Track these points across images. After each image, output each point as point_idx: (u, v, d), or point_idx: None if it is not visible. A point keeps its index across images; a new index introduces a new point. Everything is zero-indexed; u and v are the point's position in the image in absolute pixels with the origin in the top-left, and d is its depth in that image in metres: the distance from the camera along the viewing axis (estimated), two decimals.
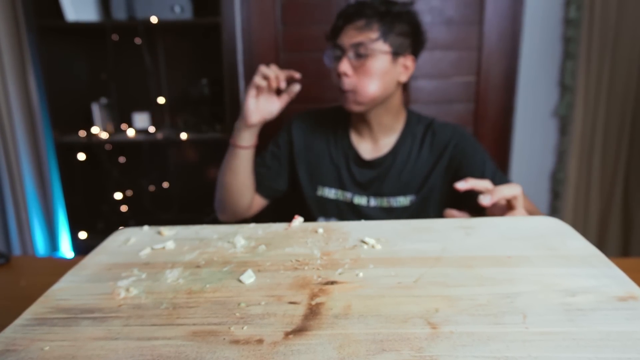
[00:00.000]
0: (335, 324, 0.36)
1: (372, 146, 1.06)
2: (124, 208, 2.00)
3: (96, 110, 1.89)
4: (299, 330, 0.35)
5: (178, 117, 2.05)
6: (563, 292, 0.39)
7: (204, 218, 1.83)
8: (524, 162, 2.08)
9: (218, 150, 2.07)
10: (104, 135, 1.86)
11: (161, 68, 2.03)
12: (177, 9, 1.76)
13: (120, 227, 0.65)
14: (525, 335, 0.34)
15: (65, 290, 0.44)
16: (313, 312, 0.38)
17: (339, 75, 0.96)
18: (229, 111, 1.84)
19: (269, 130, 1.13)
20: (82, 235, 1.95)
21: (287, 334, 0.35)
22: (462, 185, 0.73)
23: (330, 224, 0.57)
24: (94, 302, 0.41)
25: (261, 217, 1.11)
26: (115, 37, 1.84)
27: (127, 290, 0.43)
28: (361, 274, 0.44)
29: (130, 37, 1.80)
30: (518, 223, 0.55)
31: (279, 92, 1.01)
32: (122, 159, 2.02)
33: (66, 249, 2.05)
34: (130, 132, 1.92)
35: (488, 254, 0.47)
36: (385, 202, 1.04)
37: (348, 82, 0.96)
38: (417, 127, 1.06)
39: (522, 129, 2.05)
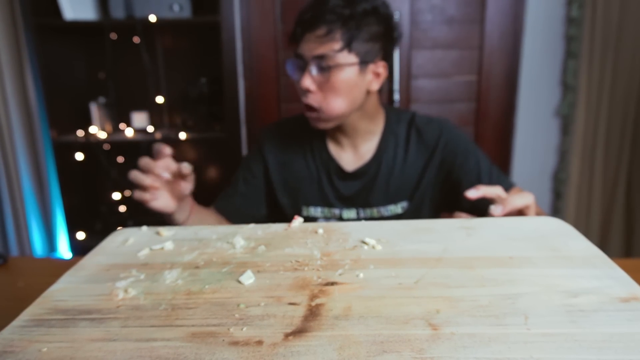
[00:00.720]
0: (335, 325, 0.36)
1: (353, 155, 0.98)
2: (122, 208, 2.00)
3: (94, 109, 1.89)
4: (298, 332, 0.35)
5: (177, 117, 2.05)
6: (565, 293, 0.39)
7: None
8: (526, 162, 2.08)
9: (217, 150, 2.08)
10: (102, 135, 1.86)
11: (160, 67, 2.03)
12: (176, 8, 1.76)
13: (119, 228, 0.65)
14: (527, 336, 0.34)
15: (63, 291, 0.44)
16: (313, 313, 0.38)
17: (302, 90, 0.88)
18: (228, 110, 1.84)
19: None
20: (80, 235, 1.95)
21: (286, 335, 0.35)
22: (473, 193, 0.69)
23: (331, 224, 0.57)
24: (92, 303, 0.41)
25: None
26: (113, 35, 1.84)
27: (126, 291, 0.43)
28: (361, 275, 0.44)
29: (129, 36, 1.80)
30: (520, 224, 0.55)
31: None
32: (120, 159, 2.02)
33: (64, 250, 2.05)
34: (129, 132, 1.92)
35: (489, 254, 0.47)
36: (375, 212, 0.97)
37: (312, 99, 0.87)
38: (398, 127, 0.98)
39: (524, 129, 2.05)
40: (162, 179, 0.72)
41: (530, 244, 0.49)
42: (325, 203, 0.99)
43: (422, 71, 2.02)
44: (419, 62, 2.01)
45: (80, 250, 1.97)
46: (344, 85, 0.86)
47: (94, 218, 2.03)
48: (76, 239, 1.96)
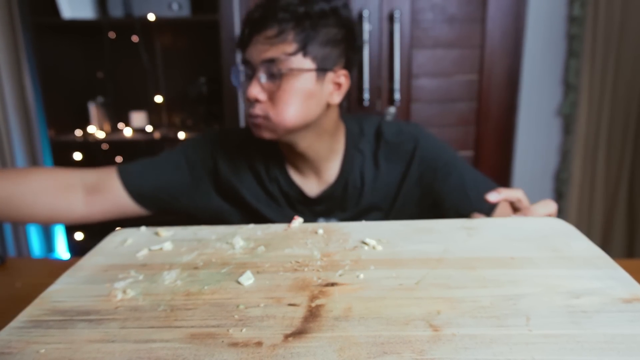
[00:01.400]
0: (335, 326, 0.36)
1: (316, 179, 0.87)
2: None
3: (93, 109, 1.89)
4: (298, 333, 0.35)
5: (176, 116, 2.05)
6: (567, 294, 0.39)
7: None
8: (527, 162, 2.08)
9: None
10: (101, 135, 1.86)
11: (159, 66, 2.03)
12: (175, 6, 1.76)
13: (117, 228, 0.65)
14: (529, 337, 0.34)
15: (61, 292, 0.44)
16: (313, 314, 0.38)
17: (249, 100, 0.76)
18: (227, 110, 1.84)
19: None
20: (79, 236, 1.95)
21: (286, 337, 0.35)
22: (494, 197, 0.65)
23: (331, 224, 0.57)
24: (90, 304, 0.41)
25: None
26: (112, 34, 1.84)
27: (124, 292, 0.43)
28: (362, 276, 0.44)
29: (127, 34, 1.80)
30: (521, 224, 0.55)
31: None
32: (119, 159, 2.02)
33: (62, 250, 2.05)
34: (128, 132, 1.92)
35: (491, 255, 0.47)
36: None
37: (259, 108, 0.76)
38: (362, 140, 0.87)
39: (526, 128, 2.05)
40: None
41: (532, 245, 0.49)
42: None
43: (422, 70, 2.02)
44: (419, 61, 2.01)
45: (78, 250, 1.97)
46: (298, 94, 0.75)
47: None
48: (74, 240, 1.96)
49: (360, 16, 1.87)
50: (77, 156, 1.92)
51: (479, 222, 0.56)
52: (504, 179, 2.04)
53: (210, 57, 1.91)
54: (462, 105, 2.05)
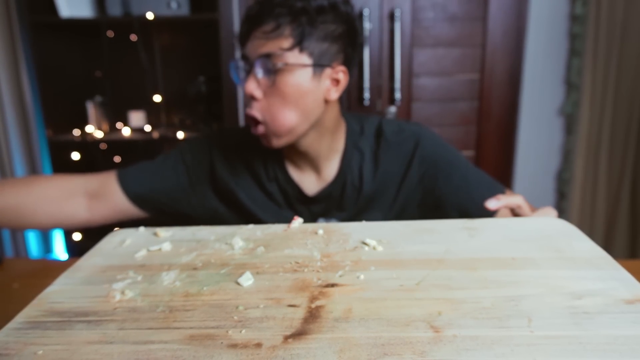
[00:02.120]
0: (335, 327, 0.36)
1: (315, 178, 0.87)
2: None
3: (91, 108, 1.89)
4: (298, 334, 0.35)
5: (175, 116, 2.05)
6: (569, 295, 0.39)
7: None
8: (529, 162, 2.08)
9: None
10: (99, 134, 1.86)
11: (157, 65, 2.03)
12: (174, 5, 1.76)
13: (116, 229, 0.65)
14: (531, 339, 0.34)
15: (59, 293, 0.44)
16: (313, 315, 0.38)
17: (247, 96, 0.76)
18: (226, 109, 1.84)
19: None
20: (77, 236, 1.95)
21: (286, 338, 0.35)
22: (493, 205, 0.66)
23: (331, 225, 0.57)
24: (88, 305, 0.41)
25: None
26: (110, 33, 1.84)
27: (123, 293, 0.43)
28: (362, 276, 0.44)
29: (126, 33, 1.80)
30: (523, 224, 0.55)
31: None
32: (117, 159, 2.02)
33: (60, 251, 2.05)
34: (126, 131, 1.92)
35: (492, 255, 0.47)
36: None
37: (256, 109, 0.75)
38: (362, 139, 0.87)
39: (527, 128, 2.05)
40: None
41: (534, 245, 0.49)
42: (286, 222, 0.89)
43: (423, 69, 2.02)
44: (420, 60, 2.01)
45: (76, 251, 1.97)
46: (294, 91, 0.74)
47: None
48: (72, 240, 1.96)
49: (361, 15, 1.88)
50: (75, 156, 1.92)
51: (480, 222, 0.56)
52: (505, 179, 2.04)
53: (209, 56, 1.91)
54: (464, 104, 2.05)
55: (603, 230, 2.02)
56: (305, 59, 0.74)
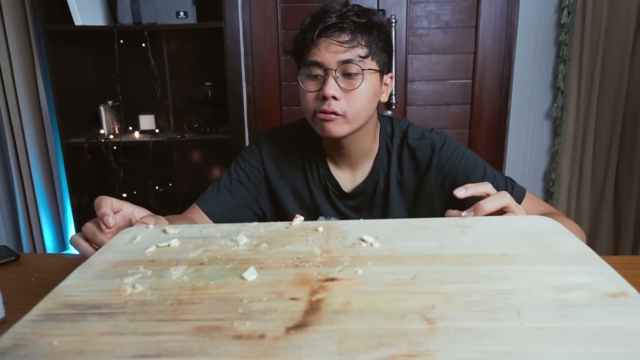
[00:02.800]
0: (335, 319, 0.36)
1: (351, 175, 0.94)
2: None
3: (103, 112, 1.89)
4: (299, 326, 0.35)
5: (183, 119, 2.05)
6: (556, 288, 0.39)
7: None
8: (518, 163, 2.08)
9: (221, 151, 2.07)
10: (111, 137, 1.86)
11: (166, 71, 2.03)
12: (182, 14, 1.76)
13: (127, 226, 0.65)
14: (520, 330, 0.34)
15: (73, 287, 0.44)
16: (313, 308, 0.38)
17: (324, 98, 0.80)
18: (232, 113, 1.84)
19: None
20: None
21: (288, 330, 0.35)
22: (461, 193, 0.66)
23: (330, 222, 0.57)
24: (101, 298, 0.41)
25: None
26: (121, 41, 1.84)
27: (133, 286, 0.43)
28: (360, 271, 0.44)
29: (136, 41, 1.80)
30: (512, 222, 0.55)
31: None
32: (128, 160, 2.02)
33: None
34: (136, 134, 1.92)
35: (483, 251, 0.47)
36: None
37: (336, 105, 0.80)
38: (393, 142, 0.92)
39: (517, 131, 2.05)
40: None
41: (523, 242, 0.49)
42: (322, 215, 0.95)
43: (418, 75, 2.02)
44: (415, 67, 2.01)
45: None
46: (371, 92, 0.82)
47: None
48: None
49: None
50: (88, 157, 1.92)
51: (472, 220, 0.56)
52: None
53: (215, 63, 1.91)
54: (456, 108, 2.05)
55: (588, 227, 2.02)
56: (375, 65, 0.82)
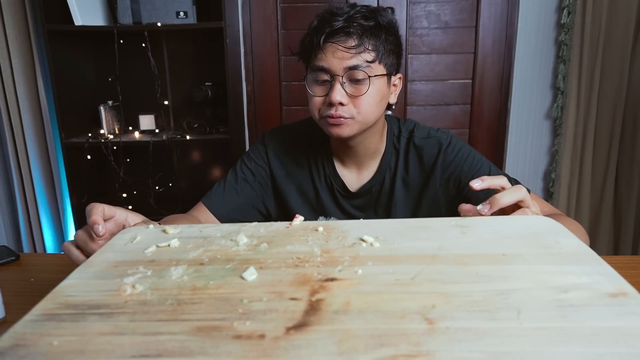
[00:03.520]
0: (335, 319, 0.36)
1: (357, 174, 0.94)
2: (129, 207, 2.00)
3: (103, 112, 1.89)
4: (299, 326, 0.35)
5: (182, 119, 2.05)
6: (556, 288, 0.39)
7: None
8: (518, 162, 2.08)
9: (221, 151, 2.07)
10: (111, 137, 1.86)
11: (166, 71, 2.03)
12: (182, 15, 1.76)
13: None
14: (520, 330, 0.34)
15: (73, 287, 0.44)
16: (313, 308, 0.38)
17: (330, 104, 0.80)
18: (232, 113, 1.84)
19: None
20: None
21: (288, 329, 0.35)
22: (477, 185, 0.63)
23: (330, 222, 0.57)
24: (101, 298, 0.41)
25: None
26: (121, 41, 1.84)
27: (133, 286, 0.43)
28: (360, 271, 0.44)
29: (136, 41, 1.80)
30: (513, 222, 0.55)
31: None
32: (128, 160, 2.02)
33: None
34: (136, 134, 1.92)
35: (483, 251, 0.47)
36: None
37: (343, 110, 0.80)
38: (399, 142, 0.93)
39: (517, 130, 2.05)
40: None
41: (523, 242, 0.49)
42: (326, 216, 0.95)
43: (418, 75, 2.02)
44: (415, 67, 2.01)
45: None
46: (378, 97, 0.81)
47: None
48: None
49: None
50: (88, 157, 1.92)
51: (471, 220, 0.56)
52: None
53: (215, 63, 1.91)
54: (456, 108, 2.05)
55: (588, 227, 2.02)
56: (382, 69, 0.81)
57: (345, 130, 0.82)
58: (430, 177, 0.90)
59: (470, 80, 2.01)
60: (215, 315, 0.37)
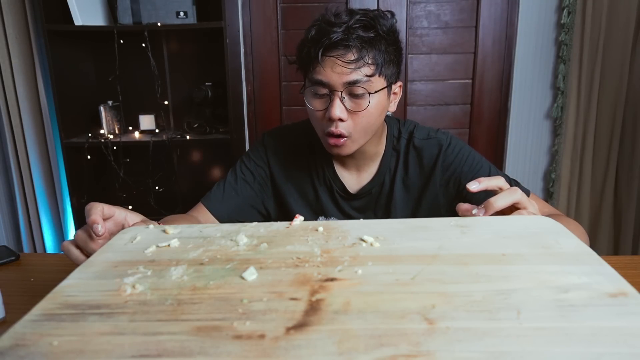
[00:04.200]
0: (334, 319, 0.36)
1: (357, 176, 0.93)
2: (129, 207, 2.00)
3: (103, 112, 1.89)
4: (299, 326, 0.35)
5: (182, 119, 2.05)
6: (556, 288, 0.39)
7: None
8: (518, 162, 2.08)
9: (221, 151, 2.08)
10: (111, 137, 1.86)
11: (166, 71, 2.03)
12: (182, 15, 1.76)
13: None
14: (520, 330, 0.34)
15: (73, 287, 0.44)
16: (313, 308, 0.38)
17: (329, 119, 0.78)
18: (232, 113, 1.84)
19: None
20: None
21: (288, 329, 0.35)
22: (474, 186, 0.63)
23: (330, 222, 0.57)
24: (101, 298, 0.41)
25: None
26: (121, 41, 1.84)
27: (133, 286, 0.43)
28: (360, 271, 0.44)
29: (136, 41, 1.80)
30: (513, 222, 0.55)
31: None
32: (128, 160, 2.02)
33: None
34: (136, 134, 1.92)
35: (483, 251, 0.47)
36: None
37: (343, 127, 0.79)
38: (399, 143, 0.92)
39: (517, 130, 2.05)
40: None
41: (523, 242, 0.49)
42: (326, 216, 0.95)
43: (418, 75, 2.02)
44: (415, 67, 2.01)
45: None
46: (379, 111, 0.80)
47: None
48: None
49: None
50: (88, 157, 1.92)
51: (471, 220, 0.56)
52: None
53: (215, 63, 1.91)
54: (456, 108, 2.05)
55: (588, 227, 2.02)
56: (382, 81, 0.79)
57: (344, 150, 0.82)
58: (430, 178, 0.90)
59: (470, 80, 2.01)
60: (215, 315, 0.37)
